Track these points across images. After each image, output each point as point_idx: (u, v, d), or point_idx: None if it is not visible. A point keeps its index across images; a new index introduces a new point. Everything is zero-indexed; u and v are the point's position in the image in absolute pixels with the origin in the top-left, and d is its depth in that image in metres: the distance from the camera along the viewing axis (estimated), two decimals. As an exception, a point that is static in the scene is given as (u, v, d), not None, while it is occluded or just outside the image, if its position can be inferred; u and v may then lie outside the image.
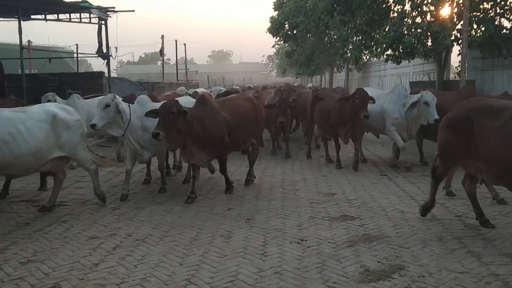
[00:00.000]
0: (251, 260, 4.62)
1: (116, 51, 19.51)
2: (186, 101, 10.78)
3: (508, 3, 11.41)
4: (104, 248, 5.03)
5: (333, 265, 4.46)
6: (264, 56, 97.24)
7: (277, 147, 11.42)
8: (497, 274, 4.14)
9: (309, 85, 21.03)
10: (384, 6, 13.38)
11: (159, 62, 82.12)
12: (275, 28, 27.90)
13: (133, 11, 16.03)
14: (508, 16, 11.50)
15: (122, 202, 6.88)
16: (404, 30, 11.62)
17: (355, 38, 15.31)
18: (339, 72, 28.04)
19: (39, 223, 5.95)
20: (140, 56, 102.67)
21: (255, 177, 8.13)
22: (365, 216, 6.04)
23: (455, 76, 14.64)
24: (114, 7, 13.71)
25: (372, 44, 13.82)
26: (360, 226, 5.63)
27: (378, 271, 4.31)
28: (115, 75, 17.71)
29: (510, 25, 11.40)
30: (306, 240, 5.15)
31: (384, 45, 12.42)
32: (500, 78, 11.33)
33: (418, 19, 11.97)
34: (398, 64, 13.28)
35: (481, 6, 11.72)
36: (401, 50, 12.07)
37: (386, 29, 12.85)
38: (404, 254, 4.71)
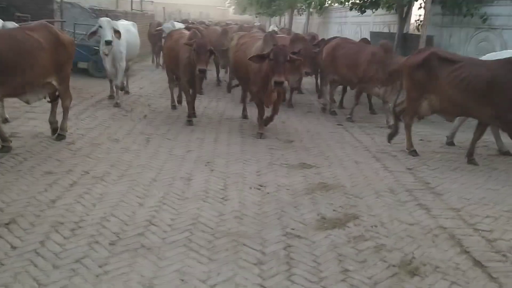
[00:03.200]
0: (212, 204, 4.67)
1: (66, -27, 18.08)
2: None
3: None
4: (60, 184, 4.92)
5: (291, 212, 4.59)
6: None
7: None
8: (444, 227, 4.41)
9: (271, 27, 20.31)
10: (352, -48, 13.11)
11: (112, -12, 77.45)
12: (238, -37, 26.88)
13: None
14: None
15: (77, 137, 6.67)
16: (371, -20, 11.51)
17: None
18: (300, 15, 27.60)
19: (-11, 155, 5.71)
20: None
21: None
22: (322, 164, 6.19)
23: (414, 30, 14.80)
24: None
25: (338, -10, 13.64)
26: (317, 174, 5.77)
27: (334, 219, 4.48)
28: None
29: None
30: (265, 186, 5.25)
31: (350, -7, 12.30)
32: (457, 36, 11.55)
33: (385, -30, 11.84)
34: (362, 14, 13.23)
35: (447, -38, 11.70)
36: (366, 0, 12.00)
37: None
38: (358, 203, 4.90)
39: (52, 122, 6.67)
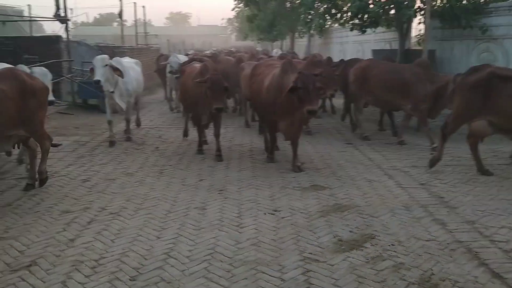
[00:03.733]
0: (228, 232, 4.71)
1: (71, 13, 18.60)
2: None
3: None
4: (78, 222, 4.99)
5: (308, 236, 4.61)
6: (223, 19, 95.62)
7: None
8: (460, 241, 4.41)
9: (275, 51, 20.47)
10: (348, -27, 13.34)
11: (115, 24, 78.90)
12: (237, -9, 27.41)
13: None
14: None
15: (92, 174, 6.78)
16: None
17: (319, 5, 15.26)
18: (301, 37, 27.95)
19: (7, 197, 5.81)
20: (95, 17, 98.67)
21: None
22: (335, 185, 6.22)
23: (415, 45, 14.94)
24: (72, -32, 13.04)
25: (337, 12, 13.84)
26: (331, 196, 5.80)
27: (351, 241, 4.49)
28: (71, 37, 16.64)
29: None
30: (279, 211, 5.29)
31: (350, 14, 12.47)
32: (459, 48, 11.67)
33: (382, -12, 12.05)
34: (363, 33, 13.42)
35: (443, -24, 11.92)
36: (366, 19, 12.18)
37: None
38: (374, 223, 4.92)
39: (41, 172, 6.10)
